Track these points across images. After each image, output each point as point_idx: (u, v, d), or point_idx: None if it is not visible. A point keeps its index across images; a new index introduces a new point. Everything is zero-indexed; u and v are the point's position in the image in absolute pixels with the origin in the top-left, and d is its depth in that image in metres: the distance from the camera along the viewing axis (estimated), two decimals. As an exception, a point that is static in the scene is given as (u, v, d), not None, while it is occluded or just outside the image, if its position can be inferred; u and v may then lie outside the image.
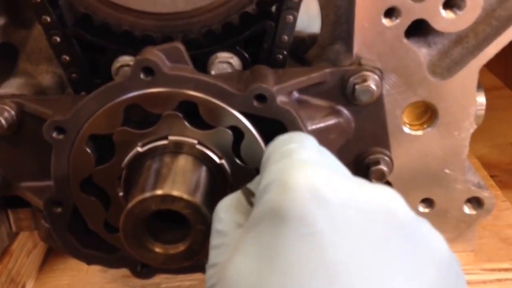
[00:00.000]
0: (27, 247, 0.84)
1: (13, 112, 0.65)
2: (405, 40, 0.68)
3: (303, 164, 0.47)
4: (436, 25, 0.67)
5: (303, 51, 0.75)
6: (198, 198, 0.56)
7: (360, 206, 0.44)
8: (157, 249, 0.57)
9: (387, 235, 0.43)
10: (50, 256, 0.90)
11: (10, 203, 0.78)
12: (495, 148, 1.15)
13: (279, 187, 0.45)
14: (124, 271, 0.70)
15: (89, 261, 0.69)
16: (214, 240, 0.51)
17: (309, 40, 0.76)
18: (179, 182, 0.57)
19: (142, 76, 0.60)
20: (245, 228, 0.48)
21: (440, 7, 0.66)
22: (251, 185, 0.54)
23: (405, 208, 0.46)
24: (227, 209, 0.53)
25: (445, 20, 0.67)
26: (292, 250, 0.41)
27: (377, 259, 0.41)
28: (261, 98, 0.61)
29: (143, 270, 0.69)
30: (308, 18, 0.75)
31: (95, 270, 0.85)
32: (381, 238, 0.42)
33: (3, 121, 0.64)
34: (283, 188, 0.45)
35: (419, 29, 0.69)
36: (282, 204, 0.44)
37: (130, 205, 0.55)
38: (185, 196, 0.55)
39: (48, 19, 0.66)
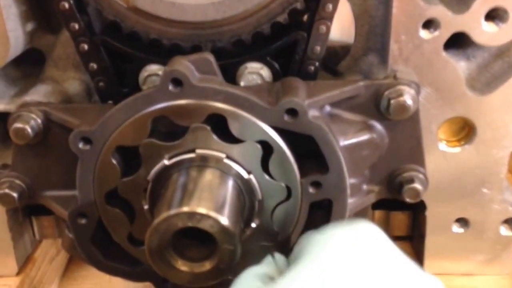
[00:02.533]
0: (50, 254, 0.83)
1: (39, 121, 0.64)
2: (443, 53, 0.65)
3: None
4: (477, 38, 0.64)
5: (335, 62, 0.72)
6: (225, 216, 0.54)
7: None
8: (183, 267, 0.56)
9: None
10: (72, 263, 0.89)
11: (34, 210, 0.78)
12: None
13: None
14: (147, 280, 0.69)
15: (112, 273, 0.68)
16: None
17: (341, 51, 0.73)
18: (206, 198, 0.56)
19: (170, 87, 0.58)
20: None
21: (482, 20, 0.63)
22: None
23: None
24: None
25: (487, 33, 0.63)
26: None
27: None
28: (292, 112, 0.59)
29: (168, 284, 0.67)
30: (341, 28, 0.72)
31: (117, 278, 0.84)
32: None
33: (29, 130, 0.63)
34: None
35: (458, 41, 0.66)
36: None
37: (156, 222, 0.54)
38: (211, 213, 0.53)
39: (76, 26, 0.65)
